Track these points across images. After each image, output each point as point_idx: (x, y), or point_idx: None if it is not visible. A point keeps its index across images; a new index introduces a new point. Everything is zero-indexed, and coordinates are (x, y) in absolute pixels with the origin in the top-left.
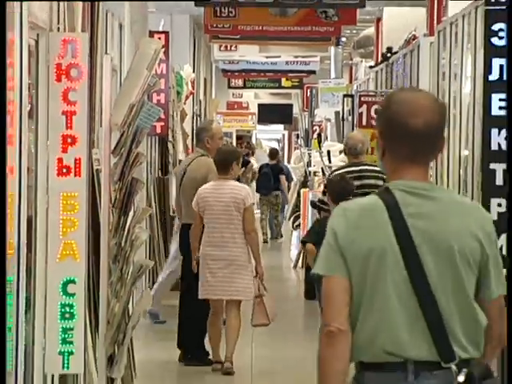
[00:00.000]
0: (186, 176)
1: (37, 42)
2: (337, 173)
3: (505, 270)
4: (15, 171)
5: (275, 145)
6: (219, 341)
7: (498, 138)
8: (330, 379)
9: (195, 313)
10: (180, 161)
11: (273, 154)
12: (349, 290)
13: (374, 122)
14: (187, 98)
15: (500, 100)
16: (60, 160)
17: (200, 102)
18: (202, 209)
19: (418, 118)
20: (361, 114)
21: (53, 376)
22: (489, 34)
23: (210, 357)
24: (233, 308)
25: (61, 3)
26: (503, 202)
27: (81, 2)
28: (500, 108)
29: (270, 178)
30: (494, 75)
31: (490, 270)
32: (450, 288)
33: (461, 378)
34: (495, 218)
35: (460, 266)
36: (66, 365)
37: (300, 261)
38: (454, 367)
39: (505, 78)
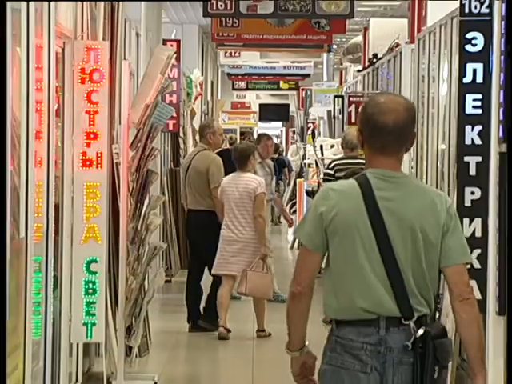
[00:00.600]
0: (191, 167)
1: (63, 49)
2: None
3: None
4: (44, 163)
5: (274, 140)
6: (227, 310)
7: (472, 134)
8: (293, 327)
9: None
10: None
11: (275, 148)
12: (319, 262)
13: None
14: (196, 98)
15: (473, 100)
16: (84, 154)
17: (208, 102)
18: (223, 198)
19: (388, 117)
20: (350, 113)
21: (77, 344)
22: (463, 41)
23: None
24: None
25: (84, 14)
26: (476, 190)
27: (102, 13)
28: (473, 107)
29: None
30: (468, 78)
31: (449, 242)
32: (410, 258)
33: (419, 333)
34: (468, 204)
35: (420, 240)
36: (89, 334)
37: (296, 243)
38: (412, 324)
39: (477, 80)
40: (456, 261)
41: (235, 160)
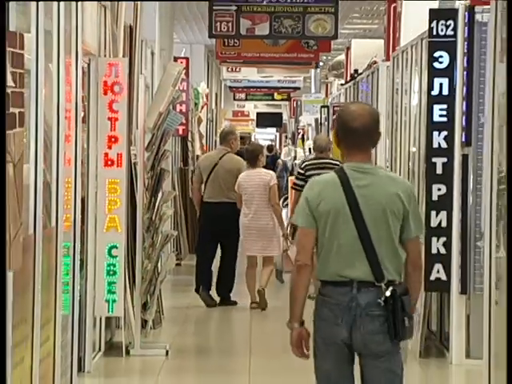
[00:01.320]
0: (220, 166)
1: (89, 64)
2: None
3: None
4: (72, 163)
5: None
6: (254, 287)
7: (438, 139)
8: (297, 301)
9: (225, 265)
10: (197, 155)
11: (270, 148)
12: (314, 238)
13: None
14: (202, 107)
15: (440, 110)
16: (106, 154)
17: (212, 110)
18: (241, 191)
19: (358, 122)
20: (334, 121)
21: (100, 318)
22: (431, 59)
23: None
24: (266, 261)
25: (107, 35)
26: (442, 186)
27: (122, 34)
28: (440, 116)
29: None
30: (436, 91)
31: (410, 219)
32: (381, 233)
33: (388, 293)
34: (436, 199)
35: (388, 218)
36: (110, 310)
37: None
38: (383, 286)
39: (443, 93)
40: (414, 234)
41: (248, 159)
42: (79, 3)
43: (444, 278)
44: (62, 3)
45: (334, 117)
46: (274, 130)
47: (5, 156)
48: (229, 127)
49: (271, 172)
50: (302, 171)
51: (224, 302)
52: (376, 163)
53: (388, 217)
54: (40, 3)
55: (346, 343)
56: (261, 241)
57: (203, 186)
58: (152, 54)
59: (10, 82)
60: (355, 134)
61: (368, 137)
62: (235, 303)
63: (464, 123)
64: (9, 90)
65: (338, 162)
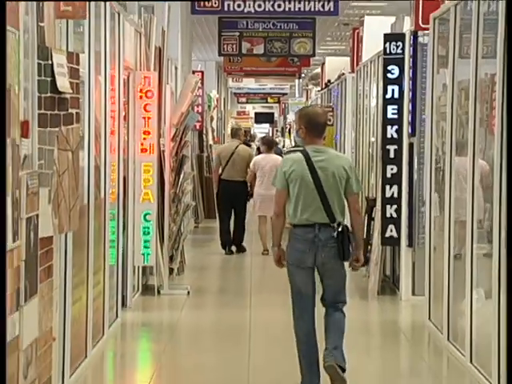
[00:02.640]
0: (236, 154)
1: (128, 76)
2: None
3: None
4: (116, 150)
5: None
6: (265, 238)
7: (391, 131)
8: (276, 235)
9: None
10: (210, 145)
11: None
12: (286, 196)
13: None
14: (214, 108)
15: (392, 109)
16: (142, 144)
17: (221, 111)
18: (257, 168)
19: (320, 118)
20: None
21: (138, 267)
22: (385, 71)
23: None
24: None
25: (142, 54)
26: (394, 167)
27: (153, 53)
28: (392, 114)
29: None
30: (389, 95)
31: (351, 182)
32: (332, 191)
33: (339, 229)
34: (389, 176)
35: (337, 182)
36: (145, 260)
37: None
38: (335, 225)
39: (395, 96)
40: (354, 191)
41: (264, 145)
42: (121, 31)
43: (395, 235)
44: (108, 30)
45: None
46: (267, 125)
47: (5, 156)
48: (236, 125)
49: (279, 157)
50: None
51: (239, 250)
52: (344, 150)
53: (336, 180)
54: (92, 31)
55: (310, 265)
56: (270, 205)
57: (221, 169)
58: (175, 68)
59: (68, 89)
60: (319, 126)
61: (324, 128)
62: (245, 249)
63: (410, 119)
64: (68, 96)
65: None
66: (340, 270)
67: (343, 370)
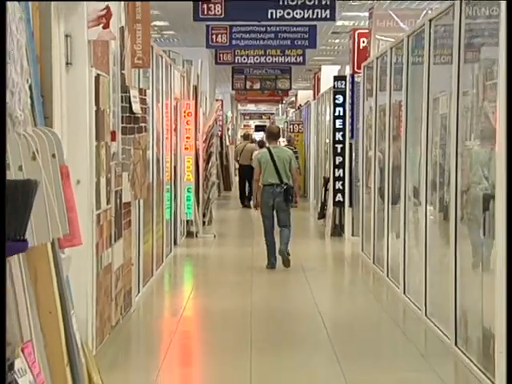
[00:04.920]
0: (246, 150)
1: (176, 103)
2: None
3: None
4: (170, 150)
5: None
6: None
7: (338, 135)
8: (256, 191)
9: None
10: (227, 145)
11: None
12: (259, 170)
13: (293, 136)
14: (229, 122)
15: (338, 122)
16: (185, 145)
17: (233, 124)
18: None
19: (272, 131)
20: (290, 129)
21: (184, 220)
22: (334, 99)
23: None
24: None
25: (185, 89)
26: (340, 158)
27: (192, 88)
28: (338, 125)
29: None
30: (337, 113)
31: (292, 162)
32: (281, 167)
33: (285, 187)
34: (337, 163)
35: (285, 162)
36: (188, 216)
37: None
38: (283, 185)
39: (340, 114)
40: (293, 167)
41: (269, 136)
42: (172, 75)
43: (341, 200)
44: (164, 75)
45: (290, 127)
46: (262, 132)
47: (5, 156)
48: (246, 132)
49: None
50: None
51: (249, 202)
52: (310, 147)
53: (283, 162)
54: (154, 75)
55: (271, 205)
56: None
57: (238, 156)
58: (205, 98)
59: (139, 111)
60: (273, 135)
61: (276, 136)
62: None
63: (350, 128)
64: (139, 115)
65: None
66: (287, 209)
67: (288, 254)
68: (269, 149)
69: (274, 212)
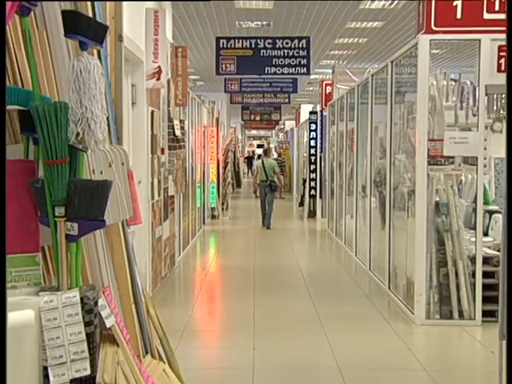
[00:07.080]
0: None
1: (204, 130)
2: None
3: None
4: (200, 160)
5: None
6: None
7: (312, 151)
8: (254, 185)
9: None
10: (238, 158)
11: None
12: (257, 173)
13: (282, 151)
14: (240, 142)
15: (312, 142)
16: (210, 157)
17: (243, 143)
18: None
19: (266, 150)
20: (280, 146)
21: (210, 207)
22: (309, 126)
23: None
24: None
25: (210, 119)
26: (314, 166)
27: (215, 118)
28: (312, 144)
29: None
30: (312, 136)
31: (275, 168)
32: (268, 171)
33: (271, 183)
34: (312, 169)
35: (270, 168)
36: (212, 204)
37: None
38: (269, 181)
39: (314, 137)
40: (275, 171)
41: (264, 152)
42: (201, 111)
43: (314, 193)
44: (196, 110)
45: (279, 146)
46: (261, 149)
47: (5, 156)
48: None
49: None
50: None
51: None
52: (293, 158)
53: (270, 168)
54: (189, 110)
55: (263, 192)
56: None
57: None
58: (224, 126)
59: (180, 135)
60: (266, 153)
61: (267, 153)
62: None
63: (320, 146)
64: (179, 137)
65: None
66: (271, 194)
67: (269, 224)
68: (262, 160)
69: (265, 197)
